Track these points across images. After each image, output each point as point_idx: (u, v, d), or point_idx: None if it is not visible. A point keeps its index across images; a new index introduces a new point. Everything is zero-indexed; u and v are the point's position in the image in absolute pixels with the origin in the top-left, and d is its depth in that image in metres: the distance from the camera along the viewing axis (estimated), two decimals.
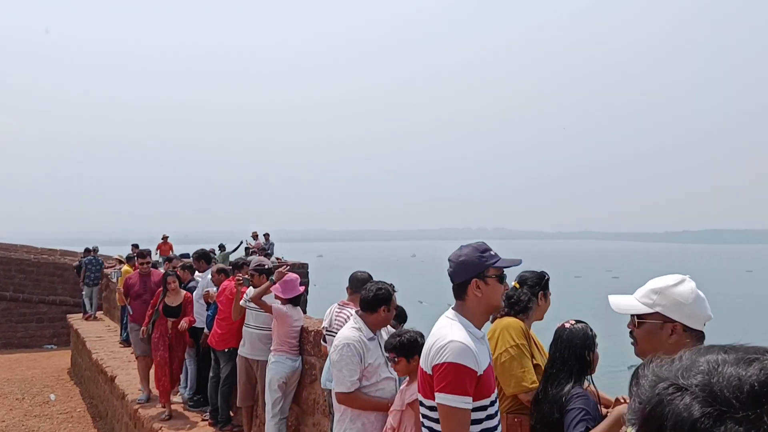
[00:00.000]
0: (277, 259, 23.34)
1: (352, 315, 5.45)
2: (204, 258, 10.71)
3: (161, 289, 9.64)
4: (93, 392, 13.97)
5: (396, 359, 4.63)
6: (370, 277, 6.16)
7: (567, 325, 4.03)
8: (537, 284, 4.57)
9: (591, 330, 4.02)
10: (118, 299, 11.11)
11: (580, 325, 4.02)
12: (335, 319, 6.00)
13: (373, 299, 5.04)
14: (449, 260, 3.52)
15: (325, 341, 6.22)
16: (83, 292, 20.30)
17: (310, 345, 7.05)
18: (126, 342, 14.12)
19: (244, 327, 7.73)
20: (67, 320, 19.96)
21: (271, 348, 7.13)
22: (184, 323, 9.17)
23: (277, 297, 7.05)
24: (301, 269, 21.68)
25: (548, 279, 4.66)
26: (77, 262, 20.98)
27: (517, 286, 4.59)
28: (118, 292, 11.21)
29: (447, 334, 3.29)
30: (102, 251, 28.86)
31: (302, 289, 7.19)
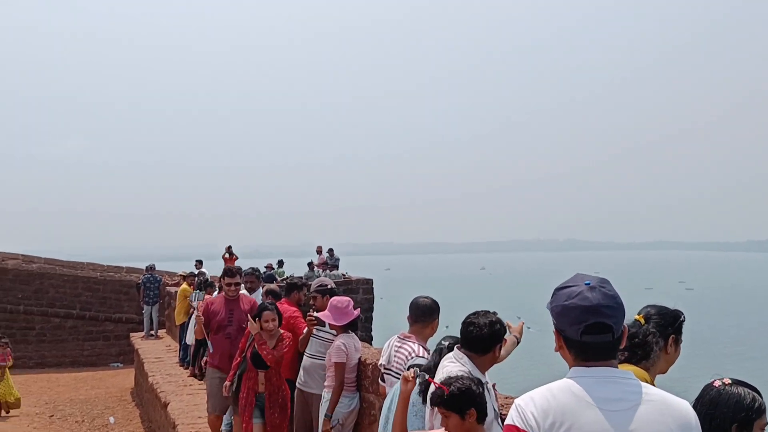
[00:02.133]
0: (343, 275, 22.79)
1: (414, 351, 4.67)
2: (256, 276, 9.58)
3: (249, 328, 7.15)
4: (152, 416, 13.50)
5: (446, 415, 3.49)
6: (435, 303, 5.10)
7: (717, 384, 2.89)
8: (669, 324, 3.41)
9: (753, 396, 2.81)
10: (197, 331, 8.64)
11: (737, 389, 2.82)
12: (395, 356, 4.98)
13: (489, 337, 3.97)
14: (605, 306, 2.42)
15: (383, 380, 5.14)
16: (143, 311, 20.03)
17: (368, 381, 6.13)
18: (185, 363, 13.65)
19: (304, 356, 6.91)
20: (130, 339, 19.76)
21: (325, 384, 6.23)
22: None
23: (331, 327, 6.24)
24: (366, 285, 21.01)
25: (683, 321, 3.47)
26: (140, 280, 20.82)
27: (642, 321, 3.44)
28: (197, 321, 8.36)
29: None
30: (167, 267, 28.87)
31: (357, 312, 6.24)
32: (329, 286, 6.88)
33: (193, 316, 13.55)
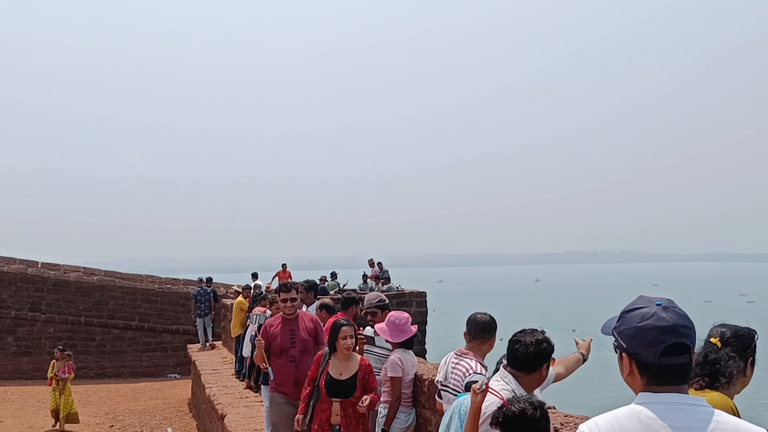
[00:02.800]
0: (396, 287, 22.69)
1: (471, 367, 4.60)
2: (313, 289, 9.37)
3: (321, 351, 6.30)
4: (208, 427, 13.63)
5: None
6: (493, 320, 5.04)
7: None
8: (747, 347, 3.25)
9: None
10: (256, 357, 7.39)
11: None
12: (452, 372, 4.90)
13: (535, 356, 3.90)
14: (682, 326, 2.35)
15: (440, 397, 5.06)
16: (196, 323, 20.38)
17: (424, 396, 6.07)
18: (240, 375, 13.77)
19: None
20: (187, 350, 20.05)
21: (381, 399, 6.17)
22: (365, 401, 5.79)
23: (387, 341, 6.21)
24: (419, 297, 20.86)
25: (757, 339, 3.34)
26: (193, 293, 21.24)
27: (719, 344, 3.26)
28: (257, 345, 7.19)
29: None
30: (225, 279, 29.25)
31: (414, 329, 6.13)
32: (386, 302, 6.83)
33: (249, 329, 13.69)
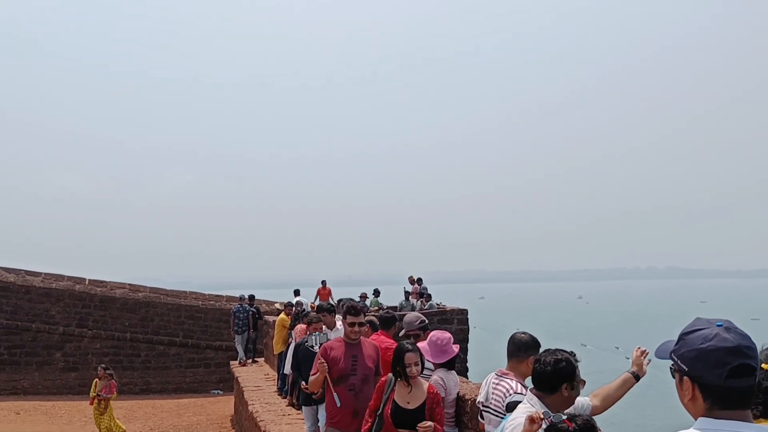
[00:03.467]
0: (437, 304, 22.65)
1: (512, 388, 4.57)
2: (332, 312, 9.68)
3: (385, 377, 5.85)
4: None
5: None
6: (532, 339, 4.98)
7: None
8: None
9: None
10: (312, 383, 6.67)
11: None
12: (492, 393, 4.88)
13: (553, 375, 3.92)
14: (746, 346, 2.32)
15: (482, 417, 5.06)
16: (235, 340, 20.61)
17: (467, 417, 6.02)
18: (282, 392, 13.86)
19: None
20: (230, 366, 20.24)
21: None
22: (426, 427, 5.42)
23: (428, 361, 6.20)
24: (461, 315, 20.80)
25: None
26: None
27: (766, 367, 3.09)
28: (320, 370, 6.43)
29: None
30: (264, 296, 29.43)
31: (456, 349, 6.07)
32: (426, 322, 6.84)
33: (291, 347, 13.77)
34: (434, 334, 6.11)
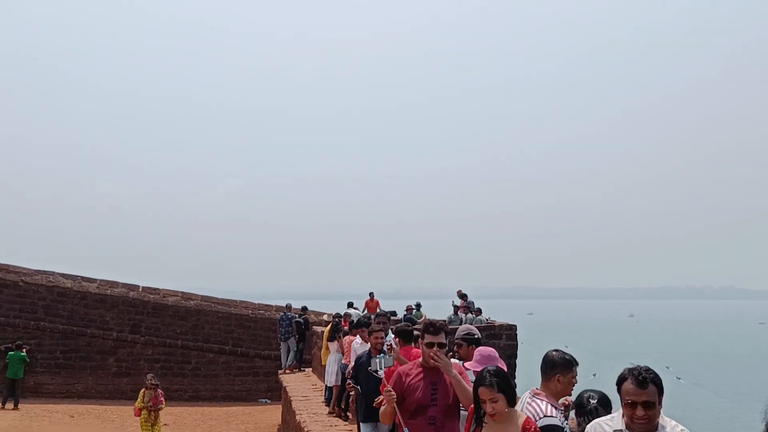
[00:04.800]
0: (486, 319, 22.50)
1: (541, 410, 4.56)
2: (387, 318, 9.63)
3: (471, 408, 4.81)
4: None
5: None
6: (561, 357, 4.87)
7: None
8: None
9: None
10: (383, 414, 5.50)
11: None
12: (525, 411, 4.79)
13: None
14: None
15: None
16: (280, 347, 21.05)
17: None
18: (330, 402, 13.93)
19: None
20: (278, 376, 20.44)
21: None
22: None
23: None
24: (509, 330, 20.60)
25: None
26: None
27: None
28: (387, 400, 5.31)
29: None
30: (316, 307, 29.63)
31: (502, 365, 5.76)
32: (476, 336, 6.51)
33: (333, 358, 13.82)
34: (481, 349, 6.07)
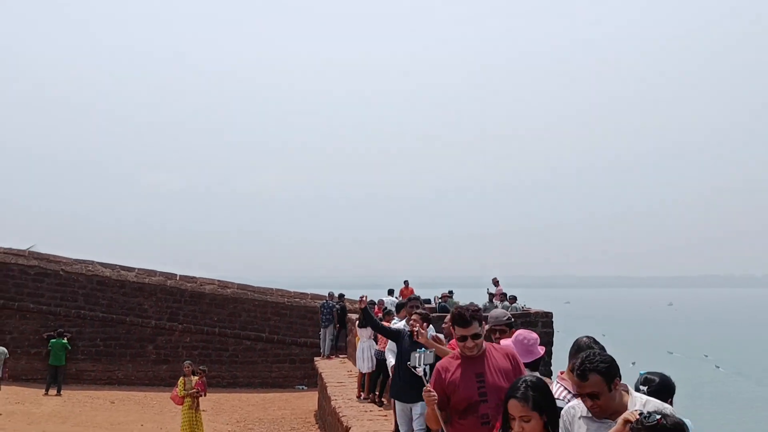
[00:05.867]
0: (522, 307, 22.37)
1: (554, 392, 4.45)
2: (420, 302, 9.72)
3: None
4: None
5: None
6: (581, 343, 4.76)
7: None
8: None
9: None
10: (428, 418, 4.97)
11: None
12: None
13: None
14: None
15: None
16: (320, 334, 21.68)
17: None
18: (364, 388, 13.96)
19: None
20: (314, 362, 20.57)
21: None
22: None
23: None
24: (545, 318, 20.46)
25: None
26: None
27: None
28: (428, 402, 4.78)
29: None
30: (354, 295, 29.66)
31: (542, 350, 5.67)
32: (512, 321, 6.37)
33: (360, 344, 13.84)
34: (521, 333, 5.76)
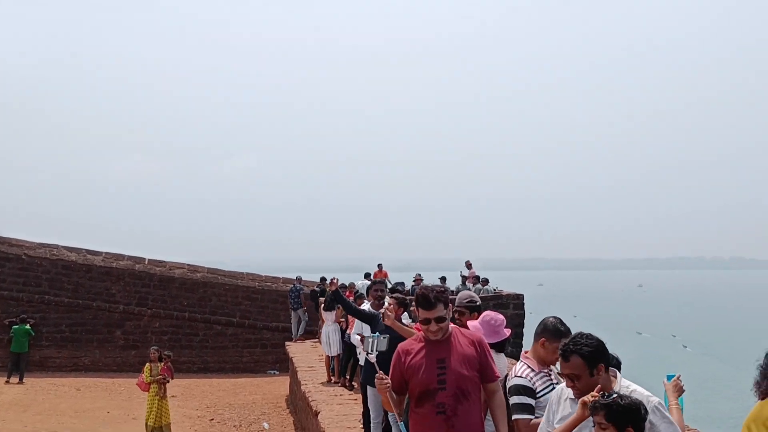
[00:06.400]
0: (494, 289, 22.40)
1: (515, 371, 4.53)
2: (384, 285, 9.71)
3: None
4: (304, 424, 13.75)
5: (603, 426, 3.36)
6: (554, 325, 4.65)
7: None
8: None
9: None
10: (384, 403, 4.88)
11: None
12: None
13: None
14: None
15: None
16: (291, 318, 22.24)
17: None
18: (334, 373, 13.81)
19: None
20: (285, 347, 20.35)
21: None
22: None
23: None
24: (516, 300, 20.55)
25: None
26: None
27: None
28: (378, 385, 4.47)
29: None
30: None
31: (508, 332, 5.66)
32: (478, 303, 6.24)
33: (325, 327, 13.73)
34: (488, 314, 5.74)
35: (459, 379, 4.31)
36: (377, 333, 5.41)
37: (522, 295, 20.93)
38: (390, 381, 4.42)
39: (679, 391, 4.12)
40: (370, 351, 4.92)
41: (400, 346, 4.61)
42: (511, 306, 20.30)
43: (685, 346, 48.92)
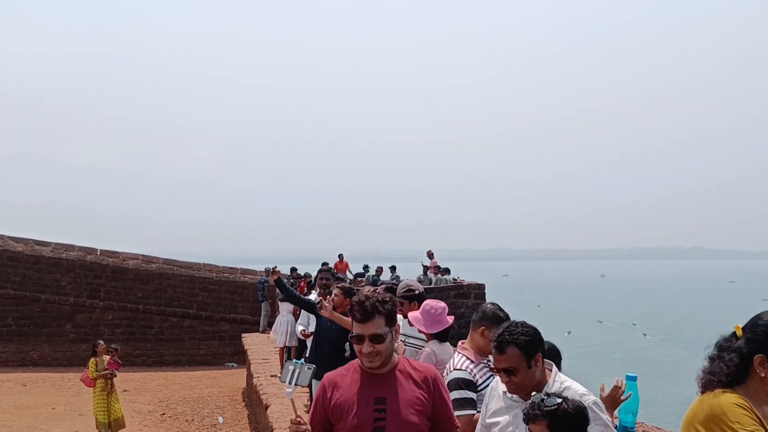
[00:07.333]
0: (454, 279, 22.26)
1: (453, 364, 4.28)
2: (332, 273, 9.41)
3: None
4: (258, 417, 13.32)
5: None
6: (493, 312, 4.36)
7: None
8: (762, 339, 2.69)
9: None
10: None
11: None
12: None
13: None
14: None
15: None
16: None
17: None
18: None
19: None
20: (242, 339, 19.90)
21: None
22: None
23: (420, 332, 5.57)
24: (477, 290, 20.37)
25: None
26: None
27: (740, 332, 2.78)
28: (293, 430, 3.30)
29: None
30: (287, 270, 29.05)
31: (451, 320, 5.40)
32: (417, 291, 6.03)
33: (278, 319, 13.45)
34: (428, 303, 5.40)
35: (403, 426, 3.18)
36: (302, 360, 3.46)
37: (483, 285, 20.81)
38: (308, 425, 3.27)
39: (617, 403, 3.70)
40: (288, 382, 3.38)
41: (327, 376, 3.39)
42: (473, 296, 20.16)
43: (645, 334, 49.65)
